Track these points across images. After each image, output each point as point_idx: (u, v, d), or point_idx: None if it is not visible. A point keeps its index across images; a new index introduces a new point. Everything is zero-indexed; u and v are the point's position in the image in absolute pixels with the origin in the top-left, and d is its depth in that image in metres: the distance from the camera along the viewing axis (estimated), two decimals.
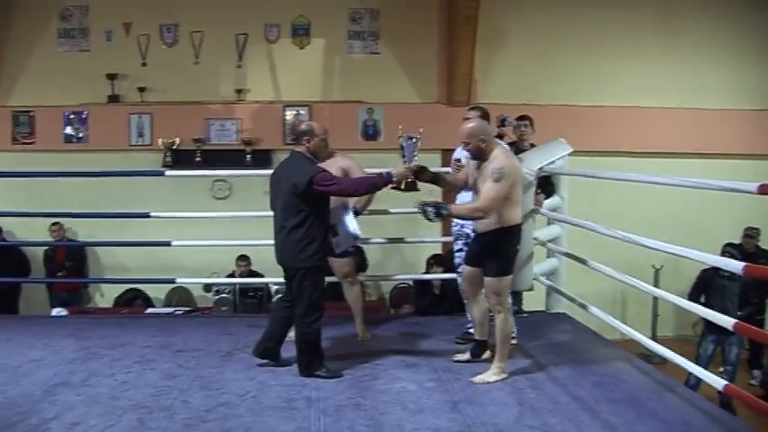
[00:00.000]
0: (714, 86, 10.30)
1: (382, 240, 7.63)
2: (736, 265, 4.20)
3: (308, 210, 4.92)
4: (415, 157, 4.94)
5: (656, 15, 10.28)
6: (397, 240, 7.96)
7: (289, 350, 5.36)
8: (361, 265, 8.90)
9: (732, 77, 10.36)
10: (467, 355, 5.41)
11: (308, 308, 5.02)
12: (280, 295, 8.32)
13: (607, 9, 10.12)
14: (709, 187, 4.37)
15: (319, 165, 5.04)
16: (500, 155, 4.90)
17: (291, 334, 5.65)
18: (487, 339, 5.35)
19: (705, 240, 6.90)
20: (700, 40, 10.27)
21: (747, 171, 9.03)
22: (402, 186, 4.91)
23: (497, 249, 4.96)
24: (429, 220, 4.88)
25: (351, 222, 5.55)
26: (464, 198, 5.50)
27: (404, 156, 4.94)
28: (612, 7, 10.13)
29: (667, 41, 10.27)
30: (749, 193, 3.79)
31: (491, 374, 5.00)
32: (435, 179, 5.14)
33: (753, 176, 3.91)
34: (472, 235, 5.33)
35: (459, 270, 5.94)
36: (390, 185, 4.95)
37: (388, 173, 4.92)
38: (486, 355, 5.33)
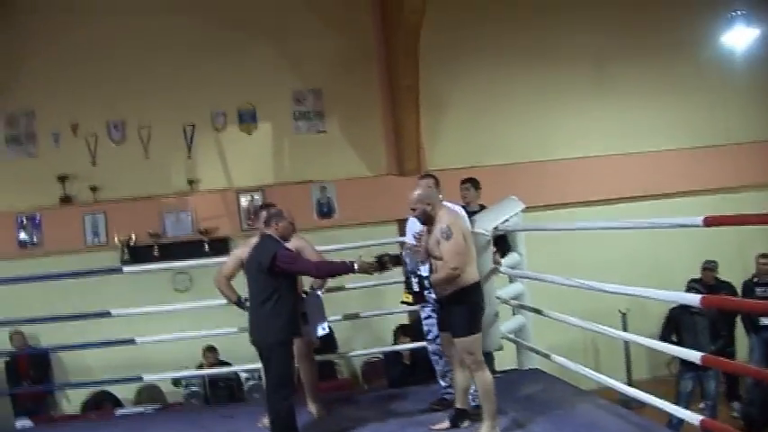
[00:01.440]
0: (652, 129, 10.61)
1: (346, 316, 7.57)
2: (693, 299, 4.28)
3: (273, 286, 5.09)
4: (419, 267, 5.19)
5: (589, 69, 10.59)
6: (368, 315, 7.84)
7: None
8: (331, 344, 8.84)
9: (667, 119, 10.68)
10: (446, 424, 5.36)
11: (279, 383, 5.07)
12: (251, 383, 8.23)
13: (542, 67, 10.40)
14: (658, 226, 4.49)
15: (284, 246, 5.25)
16: (444, 215, 5.11)
17: (265, 421, 5.60)
18: (467, 408, 5.35)
19: (666, 279, 7.03)
20: (633, 87, 10.59)
21: (693, 207, 9.20)
22: (410, 300, 5.21)
23: (460, 309, 5.03)
24: (411, 291, 5.10)
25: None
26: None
27: (407, 265, 5.26)
28: (547, 65, 10.41)
29: (603, 92, 10.57)
30: (696, 226, 3.89)
31: None
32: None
33: (699, 212, 3.99)
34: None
35: (429, 337, 5.96)
36: (401, 300, 5.33)
37: (352, 262, 5.16)
38: (467, 423, 5.31)
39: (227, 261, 5.95)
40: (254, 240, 5.64)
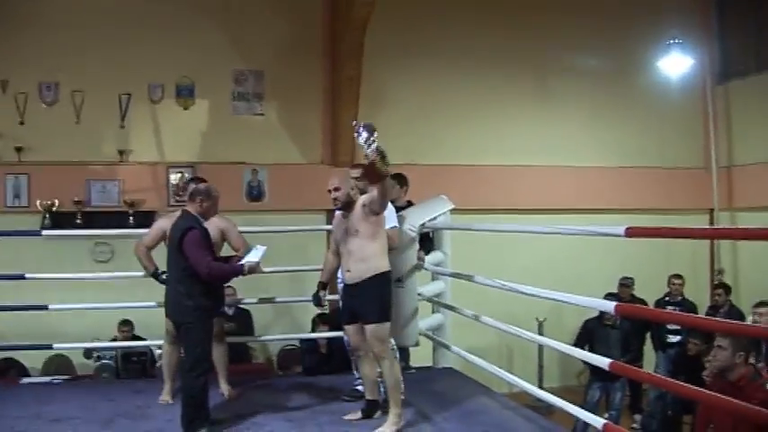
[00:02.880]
0: (585, 145, 10.89)
1: (267, 300, 7.55)
2: (608, 305, 4.42)
3: (185, 264, 5.00)
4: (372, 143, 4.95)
5: (530, 80, 10.81)
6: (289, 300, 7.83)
7: (172, 413, 5.23)
8: (248, 328, 8.79)
9: (601, 137, 10.97)
10: (358, 414, 5.38)
11: (194, 362, 5.01)
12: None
13: (484, 73, 10.55)
14: (582, 233, 4.58)
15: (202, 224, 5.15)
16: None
17: (167, 398, 5.61)
18: (378, 399, 5.38)
19: (585, 293, 7.15)
20: (570, 102, 10.86)
21: (619, 224, 9.46)
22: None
23: (374, 296, 5.06)
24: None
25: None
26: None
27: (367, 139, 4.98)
28: (489, 72, 10.57)
29: (541, 104, 10.79)
30: (618, 236, 4.01)
31: (390, 425, 5.03)
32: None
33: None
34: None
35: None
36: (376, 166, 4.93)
37: (241, 265, 5.13)
38: (378, 414, 5.34)
39: (150, 231, 5.93)
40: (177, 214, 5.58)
